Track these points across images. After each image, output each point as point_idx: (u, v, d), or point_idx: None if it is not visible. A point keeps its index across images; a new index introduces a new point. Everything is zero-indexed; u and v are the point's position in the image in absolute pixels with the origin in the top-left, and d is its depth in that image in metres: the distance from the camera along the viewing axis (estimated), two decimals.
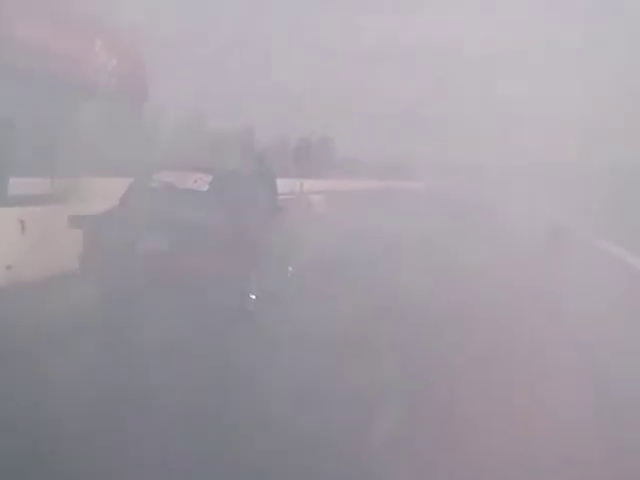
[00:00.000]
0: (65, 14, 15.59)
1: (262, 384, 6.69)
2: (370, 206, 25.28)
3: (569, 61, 56.80)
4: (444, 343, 8.48)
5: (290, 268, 11.63)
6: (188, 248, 8.69)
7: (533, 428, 5.95)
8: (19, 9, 13.93)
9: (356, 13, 53.24)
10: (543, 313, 10.57)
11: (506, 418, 6.20)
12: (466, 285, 12.10)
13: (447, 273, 13.17)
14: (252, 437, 5.47)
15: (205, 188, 9.87)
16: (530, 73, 61.62)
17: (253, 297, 9.53)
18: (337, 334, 8.39)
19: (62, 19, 15.12)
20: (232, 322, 8.75)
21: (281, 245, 11.02)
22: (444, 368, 7.62)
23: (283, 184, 12.65)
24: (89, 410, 5.64)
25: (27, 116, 13.48)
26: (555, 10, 58.89)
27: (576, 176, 33.58)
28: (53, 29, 14.34)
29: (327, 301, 10.33)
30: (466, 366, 7.57)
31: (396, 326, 9.01)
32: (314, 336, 8.24)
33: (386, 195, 30.16)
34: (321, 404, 6.24)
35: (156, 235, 8.75)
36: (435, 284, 11.92)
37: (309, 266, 12.25)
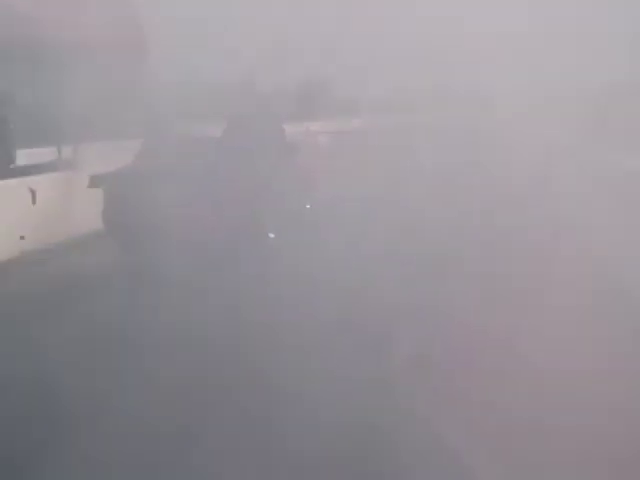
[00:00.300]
0: None
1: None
2: (376, 145, 25.32)
3: None
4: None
5: (308, 205, 11.81)
6: (196, 196, 8.93)
7: None
8: None
9: None
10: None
11: None
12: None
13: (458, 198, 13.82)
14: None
15: (218, 134, 10.04)
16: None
17: (272, 235, 9.95)
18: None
19: None
20: (251, 258, 9.19)
21: (297, 183, 11.26)
22: None
23: (289, 129, 12.50)
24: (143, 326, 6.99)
25: (25, 84, 13.36)
26: None
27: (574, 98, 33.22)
28: None
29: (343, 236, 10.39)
30: None
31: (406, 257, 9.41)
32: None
33: (391, 133, 29.90)
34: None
35: (172, 183, 8.92)
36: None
37: (326, 203, 12.53)
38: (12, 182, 10.28)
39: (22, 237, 9.91)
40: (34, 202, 10.26)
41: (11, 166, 11.03)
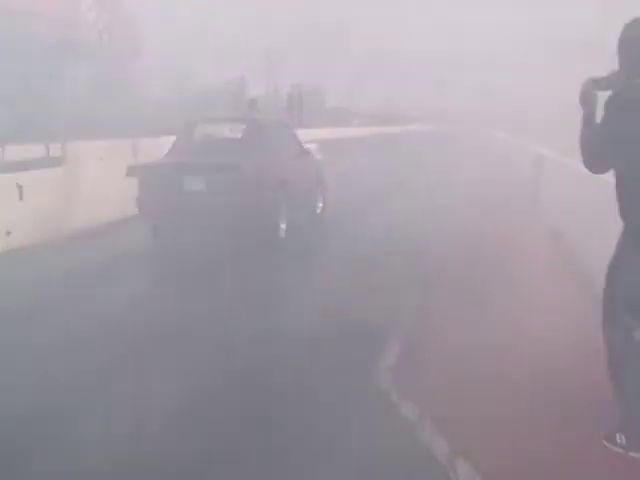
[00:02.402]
0: None
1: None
2: (365, 151, 25.62)
3: None
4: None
5: (320, 204, 13.16)
6: (222, 187, 10.05)
7: None
8: None
9: None
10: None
11: None
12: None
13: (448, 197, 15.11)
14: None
15: (239, 135, 11.34)
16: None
17: (283, 227, 10.91)
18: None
19: None
20: (265, 250, 10.27)
21: (309, 184, 12.56)
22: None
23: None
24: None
25: (17, 81, 13.31)
26: None
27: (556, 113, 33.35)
28: None
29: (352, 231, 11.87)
30: None
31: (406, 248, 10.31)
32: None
33: (380, 141, 30.18)
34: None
35: (196, 177, 10.27)
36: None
37: (333, 203, 13.67)
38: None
39: (8, 233, 9.85)
40: (21, 198, 10.19)
41: None
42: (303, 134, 15.83)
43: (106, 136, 13.50)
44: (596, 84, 4.43)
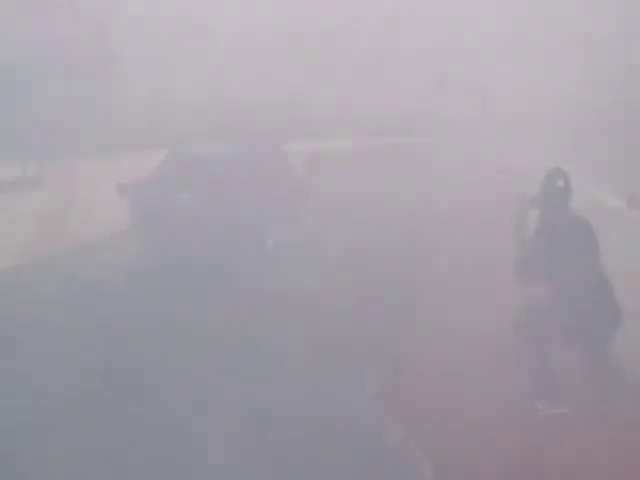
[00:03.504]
0: None
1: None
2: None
3: None
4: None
5: (305, 220, 13.11)
6: (213, 202, 10.38)
7: None
8: None
9: None
10: None
11: None
12: None
13: None
14: None
15: (229, 152, 11.72)
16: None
17: (270, 242, 11.16)
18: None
19: None
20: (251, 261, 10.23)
21: (296, 199, 12.69)
22: None
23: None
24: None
25: None
26: None
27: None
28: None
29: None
30: None
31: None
32: None
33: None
34: None
35: (186, 193, 10.55)
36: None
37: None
38: None
39: None
40: None
41: None
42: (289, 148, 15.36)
43: (87, 154, 13.05)
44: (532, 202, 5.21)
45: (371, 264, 10.30)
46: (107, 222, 11.64)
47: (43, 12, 14.86)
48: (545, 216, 5.26)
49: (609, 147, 20.01)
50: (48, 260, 10.54)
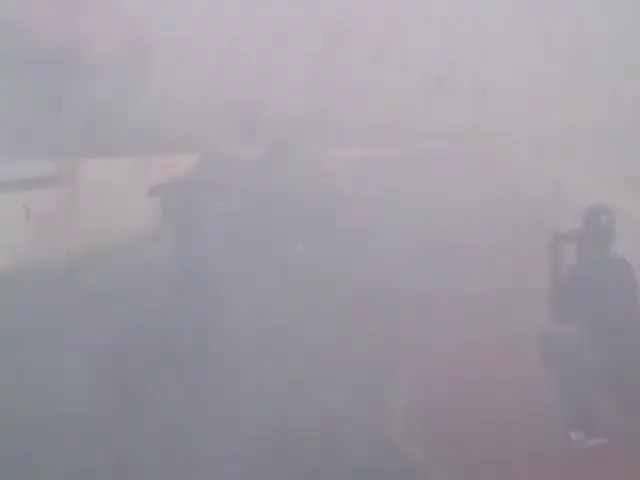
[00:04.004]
0: None
1: None
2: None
3: None
4: None
5: (338, 225, 12.67)
6: (246, 207, 10.31)
7: None
8: None
9: None
10: None
11: None
12: None
13: None
14: None
15: (260, 155, 11.36)
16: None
17: (301, 248, 10.90)
18: None
19: None
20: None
21: (329, 204, 12.18)
22: None
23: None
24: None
25: (24, 96, 12.58)
26: None
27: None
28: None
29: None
30: None
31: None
32: None
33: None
34: None
35: (218, 196, 10.35)
36: None
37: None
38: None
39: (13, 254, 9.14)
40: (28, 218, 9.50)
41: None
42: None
43: (120, 153, 12.88)
44: (565, 237, 5.03)
45: (403, 273, 10.06)
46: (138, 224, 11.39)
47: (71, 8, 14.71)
48: (584, 253, 5.13)
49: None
50: (73, 260, 10.24)
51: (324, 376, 6.38)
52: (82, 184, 11.53)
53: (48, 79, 12.89)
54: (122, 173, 12.20)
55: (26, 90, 12.52)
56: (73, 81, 13.61)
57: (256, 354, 6.72)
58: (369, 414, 6.01)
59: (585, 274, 5.09)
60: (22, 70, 12.40)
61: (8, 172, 10.99)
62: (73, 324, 7.50)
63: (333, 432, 5.69)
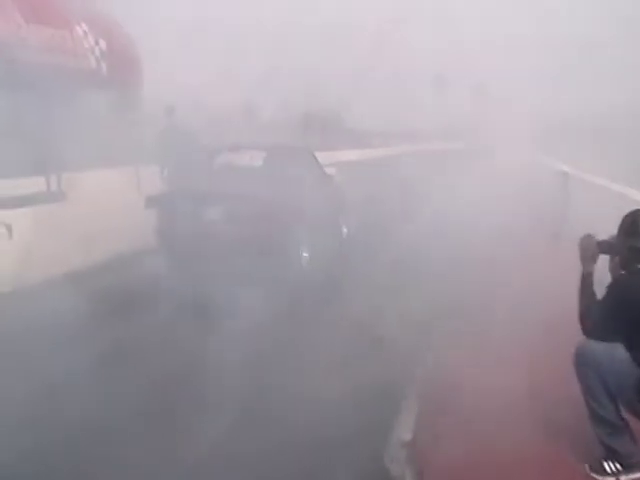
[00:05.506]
0: None
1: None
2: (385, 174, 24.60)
3: None
4: None
5: (345, 230, 12.99)
6: (241, 217, 9.79)
7: None
8: None
9: None
10: None
11: None
12: None
13: None
14: None
15: (259, 163, 11.38)
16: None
17: (306, 255, 10.74)
18: None
19: (39, 3, 13.73)
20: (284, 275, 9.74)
21: (332, 210, 12.31)
22: None
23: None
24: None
25: (9, 113, 12.34)
26: None
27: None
28: (29, 15, 13.01)
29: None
30: None
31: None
32: None
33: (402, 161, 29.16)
34: None
35: (215, 207, 10.06)
36: None
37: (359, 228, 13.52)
38: None
39: None
40: (10, 237, 9.22)
41: None
42: (323, 157, 14.92)
43: (106, 165, 12.65)
44: (599, 246, 4.50)
45: (414, 277, 9.87)
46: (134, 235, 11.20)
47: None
48: (618, 264, 4.54)
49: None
50: (73, 274, 9.97)
51: None
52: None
53: None
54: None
55: None
56: None
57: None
58: None
59: (621, 286, 4.44)
60: None
61: None
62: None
63: None
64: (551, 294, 7.83)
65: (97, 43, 15.58)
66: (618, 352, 4.35)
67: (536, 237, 12.49)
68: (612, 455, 4.47)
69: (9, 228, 9.19)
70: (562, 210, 13.23)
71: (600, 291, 4.47)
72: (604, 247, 4.50)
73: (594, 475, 4.49)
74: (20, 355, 6.96)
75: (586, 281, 4.49)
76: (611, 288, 4.41)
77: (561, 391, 5.17)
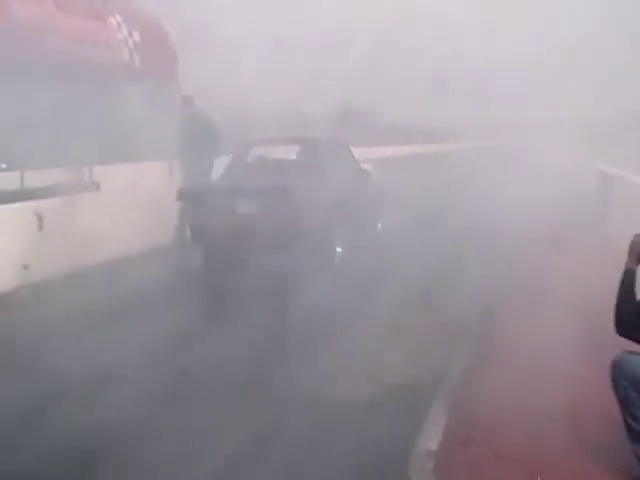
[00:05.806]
0: None
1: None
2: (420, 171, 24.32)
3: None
4: None
5: (379, 225, 12.83)
6: (274, 210, 9.64)
7: None
8: None
9: None
10: None
11: None
12: None
13: None
14: None
15: (293, 157, 11.37)
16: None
17: (339, 250, 10.58)
18: None
19: None
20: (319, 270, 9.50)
21: (368, 204, 12.09)
22: None
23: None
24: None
25: (44, 104, 12.18)
26: None
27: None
28: (61, 5, 12.89)
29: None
30: None
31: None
32: None
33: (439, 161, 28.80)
34: None
35: (249, 200, 9.97)
36: None
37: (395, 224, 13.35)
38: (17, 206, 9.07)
39: (25, 266, 8.69)
40: (40, 228, 9.04)
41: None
42: (361, 153, 14.69)
43: (139, 158, 12.54)
44: None
45: (443, 275, 9.76)
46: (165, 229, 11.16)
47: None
48: None
49: None
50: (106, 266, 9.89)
51: None
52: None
53: None
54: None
55: None
56: None
57: None
58: None
59: None
60: None
61: None
62: None
63: None
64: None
65: (131, 35, 15.52)
66: None
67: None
68: None
69: (40, 218, 9.02)
70: (603, 209, 12.96)
71: None
72: None
73: None
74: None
75: (627, 276, 4.37)
76: None
77: (600, 406, 4.94)
